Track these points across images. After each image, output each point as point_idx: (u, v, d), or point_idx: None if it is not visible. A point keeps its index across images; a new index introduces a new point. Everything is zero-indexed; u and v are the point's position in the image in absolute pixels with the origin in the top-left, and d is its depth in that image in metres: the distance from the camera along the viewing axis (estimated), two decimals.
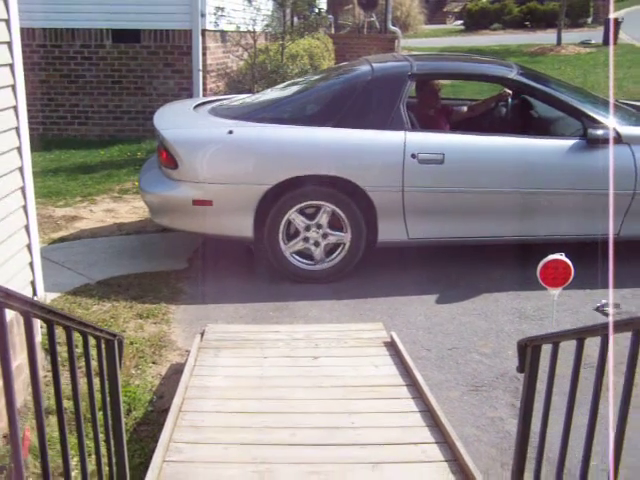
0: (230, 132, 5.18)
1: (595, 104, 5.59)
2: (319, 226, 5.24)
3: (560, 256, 3.40)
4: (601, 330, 1.71)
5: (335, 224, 5.26)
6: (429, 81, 6.02)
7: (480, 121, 6.03)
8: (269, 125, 5.31)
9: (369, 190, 5.11)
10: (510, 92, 5.95)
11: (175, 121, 5.81)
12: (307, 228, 5.25)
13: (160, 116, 5.86)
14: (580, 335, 1.92)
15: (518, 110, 6.14)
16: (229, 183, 5.14)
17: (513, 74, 5.52)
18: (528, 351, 2.37)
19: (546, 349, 2.33)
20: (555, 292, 3.41)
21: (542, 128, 5.76)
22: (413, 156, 5.10)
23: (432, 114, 5.93)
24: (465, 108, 6.32)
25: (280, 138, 5.26)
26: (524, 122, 5.96)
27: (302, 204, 5.18)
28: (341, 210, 5.16)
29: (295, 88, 6.04)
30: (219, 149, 5.21)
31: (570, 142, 5.23)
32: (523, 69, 5.85)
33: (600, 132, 5.14)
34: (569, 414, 1.97)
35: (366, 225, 5.20)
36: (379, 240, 5.26)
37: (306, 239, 5.28)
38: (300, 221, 5.22)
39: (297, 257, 5.31)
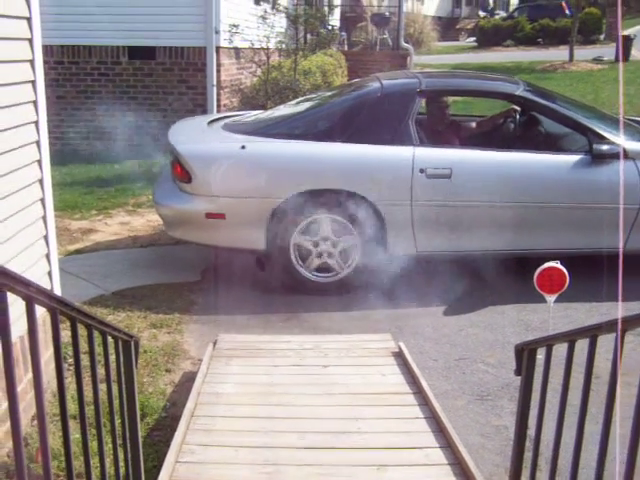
0: (243, 147, 5.30)
1: (601, 120, 5.68)
2: (325, 239, 5.35)
3: (555, 264, 3.49)
4: (590, 332, 1.81)
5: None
6: (439, 98, 6.14)
7: (488, 137, 6.12)
8: (281, 140, 5.43)
9: (379, 204, 5.21)
10: (518, 108, 6.05)
11: (189, 136, 5.94)
12: (315, 244, 5.36)
13: (175, 131, 6.00)
14: (571, 338, 2.01)
15: (525, 126, 6.24)
16: (242, 197, 5.26)
17: (520, 91, 5.62)
18: (525, 355, 2.47)
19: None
20: (551, 299, 3.51)
21: (549, 144, 5.84)
22: (421, 171, 5.20)
23: (441, 130, 6.04)
24: (474, 124, 6.43)
25: (291, 153, 5.37)
26: (531, 138, 6.04)
27: (305, 221, 5.29)
28: (347, 220, 5.27)
29: (307, 104, 6.17)
30: (232, 164, 5.32)
31: (576, 157, 5.32)
32: (530, 86, 5.96)
33: (605, 147, 5.23)
34: (560, 417, 2.06)
35: (375, 236, 5.30)
36: (388, 253, 5.35)
37: (319, 255, 5.39)
38: (306, 241, 5.34)
39: (316, 273, 5.42)
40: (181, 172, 5.35)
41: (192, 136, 5.97)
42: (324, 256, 5.39)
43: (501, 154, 5.41)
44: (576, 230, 5.38)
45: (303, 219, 5.27)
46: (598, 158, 5.25)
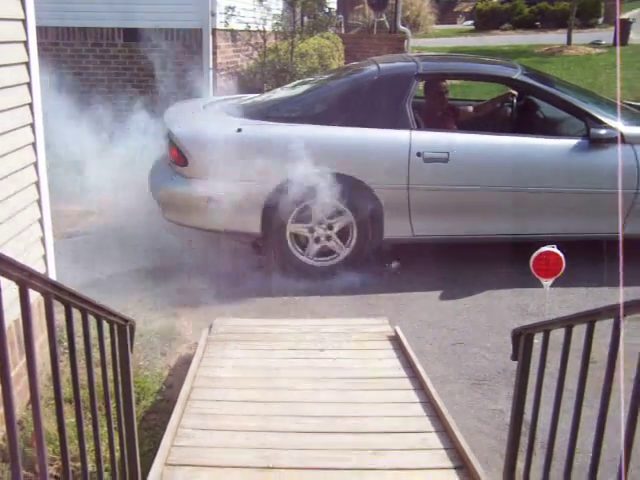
0: (239, 130, 5.27)
1: (599, 104, 5.66)
2: (321, 223, 5.34)
3: (551, 248, 3.49)
4: (588, 317, 1.80)
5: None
6: (436, 81, 6.10)
7: (485, 121, 6.10)
8: (277, 123, 5.40)
9: (375, 188, 5.20)
10: (515, 92, 6.02)
11: (185, 119, 5.90)
12: (310, 230, 5.35)
13: (170, 114, 5.96)
14: (568, 323, 2.01)
15: (523, 110, 6.21)
16: (238, 180, 5.23)
17: (517, 74, 5.59)
18: (521, 339, 2.46)
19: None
20: (547, 283, 3.51)
21: (546, 128, 5.83)
22: (418, 154, 5.18)
23: (438, 114, 6.01)
24: (471, 108, 6.40)
25: (288, 136, 5.34)
26: (529, 122, 6.03)
27: (301, 205, 5.26)
28: (343, 204, 5.25)
29: (304, 87, 6.13)
30: (228, 147, 5.29)
31: (573, 142, 5.31)
32: (528, 70, 5.93)
33: (603, 132, 5.21)
34: (557, 402, 2.05)
35: (371, 222, 5.29)
36: (385, 237, 5.34)
37: (317, 239, 5.38)
38: (300, 229, 5.34)
39: (312, 257, 5.41)
40: (177, 155, 5.32)
41: (188, 119, 5.93)
42: (321, 240, 5.38)
43: (498, 138, 5.39)
44: (573, 215, 5.37)
45: (299, 203, 5.25)
46: (595, 142, 5.23)
